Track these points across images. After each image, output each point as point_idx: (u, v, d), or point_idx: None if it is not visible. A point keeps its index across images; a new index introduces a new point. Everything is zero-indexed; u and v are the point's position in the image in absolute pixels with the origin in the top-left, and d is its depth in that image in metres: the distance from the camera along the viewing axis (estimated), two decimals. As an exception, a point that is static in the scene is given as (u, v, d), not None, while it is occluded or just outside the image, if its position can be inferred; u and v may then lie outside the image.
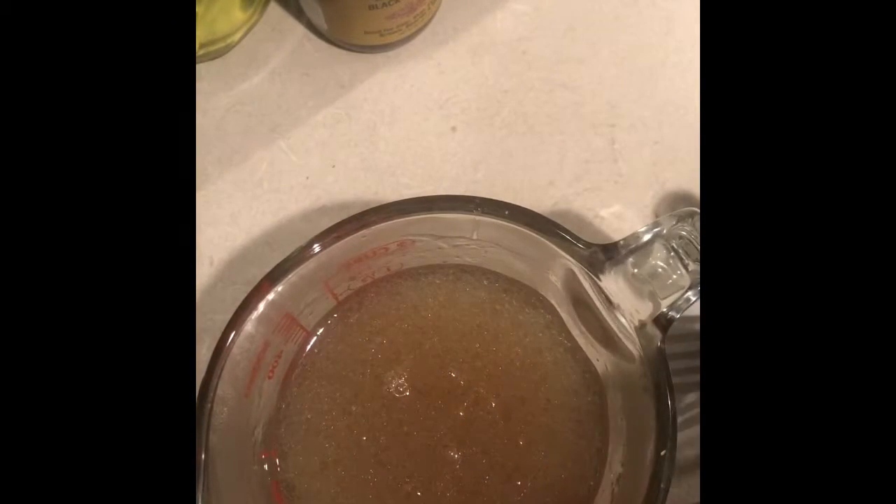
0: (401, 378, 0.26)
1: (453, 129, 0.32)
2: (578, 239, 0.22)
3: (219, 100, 0.32)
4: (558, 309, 0.27)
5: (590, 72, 0.33)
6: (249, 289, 0.22)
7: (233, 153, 0.32)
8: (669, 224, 0.22)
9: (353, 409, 0.26)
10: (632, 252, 0.22)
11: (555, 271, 0.25)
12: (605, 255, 0.22)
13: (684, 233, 0.21)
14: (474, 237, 0.25)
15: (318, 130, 0.32)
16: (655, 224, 0.22)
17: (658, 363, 0.21)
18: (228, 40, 0.32)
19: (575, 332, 0.27)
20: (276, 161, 0.32)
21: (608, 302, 0.22)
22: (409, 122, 0.32)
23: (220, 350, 0.21)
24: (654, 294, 0.22)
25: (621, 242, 0.22)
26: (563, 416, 0.26)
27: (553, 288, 0.26)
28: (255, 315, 0.22)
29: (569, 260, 0.23)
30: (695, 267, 0.21)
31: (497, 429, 0.26)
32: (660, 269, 0.22)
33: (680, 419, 0.29)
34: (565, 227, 0.22)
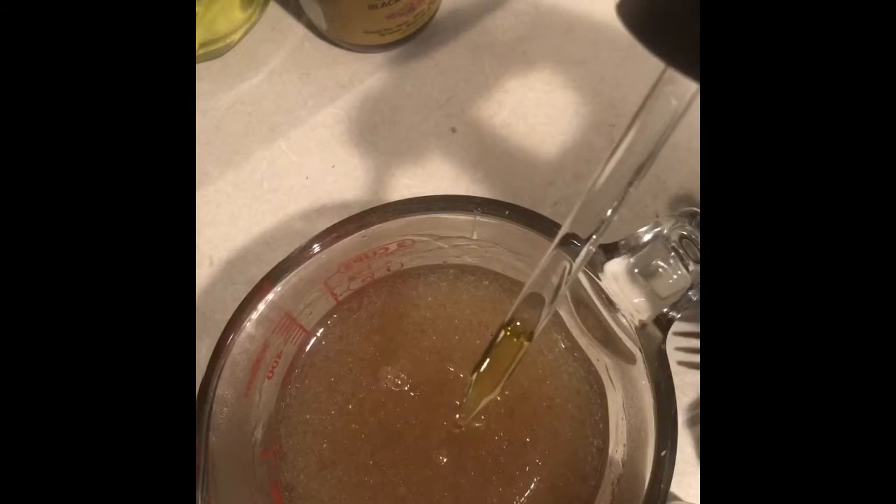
0: (400, 377, 0.26)
1: (453, 129, 0.32)
2: (579, 239, 0.22)
3: (219, 100, 0.32)
4: (559, 309, 0.27)
5: (590, 72, 0.33)
6: (249, 289, 0.22)
7: (233, 153, 0.32)
8: (670, 224, 0.22)
9: (352, 408, 0.26)
10: (632, 252, 0.22)
11: (555, 271, 0.25)
12: (605, 255, 0.22)
13: (685, 233, 0.21)
14: (474, 237, 0.25)
15: (318, 130, 0.32)
16: (656, 224, 0.22)
17: (658, 363, 0.21)
18: (228, 40, 0.32)
19: (575, 332, 0.27)
20: (276, 161, 0.32)
21: (608, 302, 0.22)
22: (409, 122, 0.32)
23: (220, 350, 0.21)
24: (655, 294, 0.22)
25: (621, 242, 0.22)
26: (565, 415, 0.26)
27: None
28: (255, 315, 0.22)
29: (569, 260, 0.23)
30: (695, 267, 0.21)
31: (498, 428, 0.26)
32: (660, 269, 0.22)
33: (680, 419, 0.29)
34: (565, 227, 0.22)
